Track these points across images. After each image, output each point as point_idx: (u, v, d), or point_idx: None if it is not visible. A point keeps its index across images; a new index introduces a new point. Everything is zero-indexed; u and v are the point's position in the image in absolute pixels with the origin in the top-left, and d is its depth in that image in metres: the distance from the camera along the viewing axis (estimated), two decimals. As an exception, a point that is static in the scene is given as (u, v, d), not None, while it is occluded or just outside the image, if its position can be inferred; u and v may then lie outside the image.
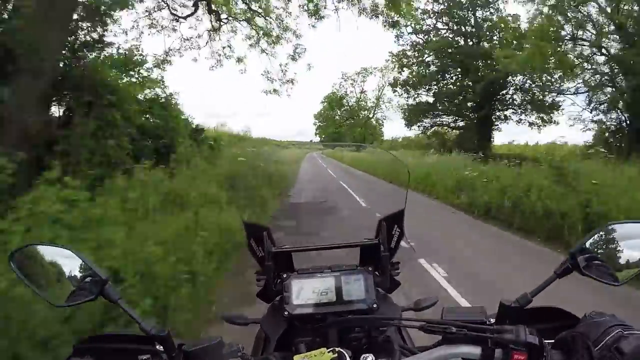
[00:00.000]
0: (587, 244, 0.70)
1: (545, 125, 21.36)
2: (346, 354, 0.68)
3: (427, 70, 25.22)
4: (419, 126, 26.34)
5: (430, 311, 0.93)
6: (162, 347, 0.66)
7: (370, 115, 51.16)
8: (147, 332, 0.65)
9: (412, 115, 25.99)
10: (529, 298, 0.69)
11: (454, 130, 25.99)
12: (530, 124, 22.08)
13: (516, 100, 22.61)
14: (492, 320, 0.70)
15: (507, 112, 23.09)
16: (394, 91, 27.01)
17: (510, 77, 20.72)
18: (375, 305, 0.85)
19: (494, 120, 23.30)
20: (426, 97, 25.57)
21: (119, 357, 0.69)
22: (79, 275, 0.71)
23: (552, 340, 0.65)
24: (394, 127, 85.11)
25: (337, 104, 53.26)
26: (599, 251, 0.71)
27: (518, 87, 21.72)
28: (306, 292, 0.87)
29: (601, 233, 0.71)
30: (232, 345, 0.70)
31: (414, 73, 25.83)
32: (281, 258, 0.95)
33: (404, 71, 26.08)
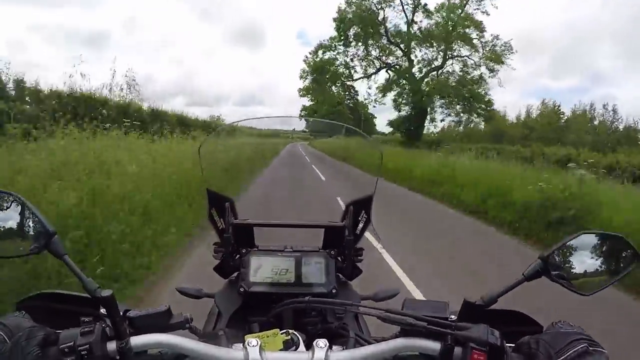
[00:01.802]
0: (560, 250, 0.69)
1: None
2: (300, 338, 0.67)
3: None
4: None
5: (390, 303, 0.91)
6: (105, 310, 0.62)
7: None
8: (91, 293, 0.62)
9: None
10: (495, 298, 0.67)
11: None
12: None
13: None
14: (454, 317, 0.68)
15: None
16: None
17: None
18: (334, 291, 0.84)
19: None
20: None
21: (61, 317, 0.66)
22: (25, 225, 0.68)
23: (513, 345, 0.64)
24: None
25: (362, 25, 24.86)
26: (570, 259, 0.69)
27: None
28: (264, 270, 0.85)
29: (574, 240, 0.70)
30: (180, 315, 0.67)
31: None
32: (242, 232, 0.93)
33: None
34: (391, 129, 31.42)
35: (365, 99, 28.94)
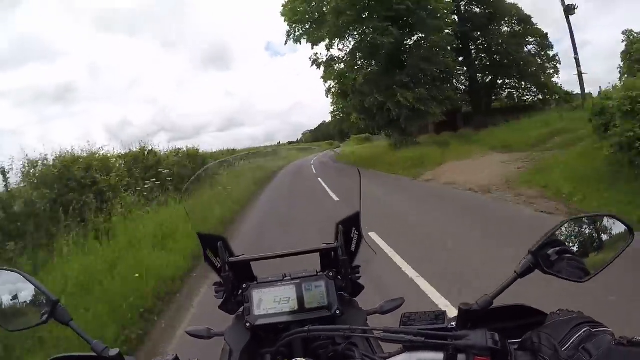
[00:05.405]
0: (548, 242, 0.69)
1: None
2: None
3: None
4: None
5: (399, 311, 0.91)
6: None
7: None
8: (99, 353, 0.65)
9: None
10: (490, 300, 0.68)
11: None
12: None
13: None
14: (454, 324, 0.69)
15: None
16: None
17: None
18: (338, 312, 0.85)
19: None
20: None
21: None
22: (28, 298, 0.72)
23: (519, 340, 0.64)
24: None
25: None
26: (560, 247, 0.69)
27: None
28: (267, 302, 0.87)
29: (563, 228, 0.71)
30: None
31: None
32: (240, 267, 0.94)
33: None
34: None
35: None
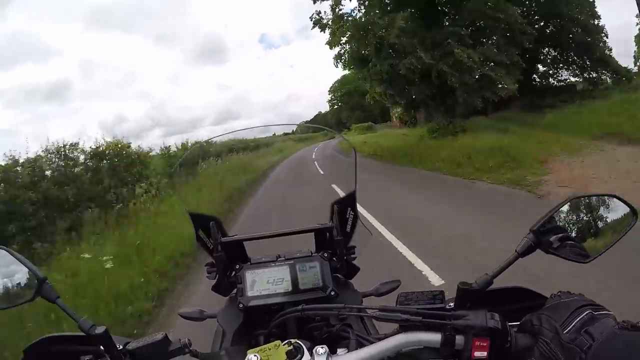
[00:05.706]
0: (550, 220, 0.66)
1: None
2: (303, 346, 0.67)
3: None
4: None
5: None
6: (102, 346, 0.66)
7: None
8: (86, 331, 0.66)
9: None
10: (490, 280, 0.65)
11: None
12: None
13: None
14: (452, 305, 0.66)
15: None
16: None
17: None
18: (333, 293, 0.84)
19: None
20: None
21: (66, 359, 0.70)
22: (15, 275, 0.73)
23: (518, 323, 0.62)
24: None
25: None
26: (562, 227, 0.67)
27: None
28: (260, 283, 0.87)
29: (564, 208, 0.67)
30: (178, 342, 0.71)
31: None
32: (233, 248, 0.95)
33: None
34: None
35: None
